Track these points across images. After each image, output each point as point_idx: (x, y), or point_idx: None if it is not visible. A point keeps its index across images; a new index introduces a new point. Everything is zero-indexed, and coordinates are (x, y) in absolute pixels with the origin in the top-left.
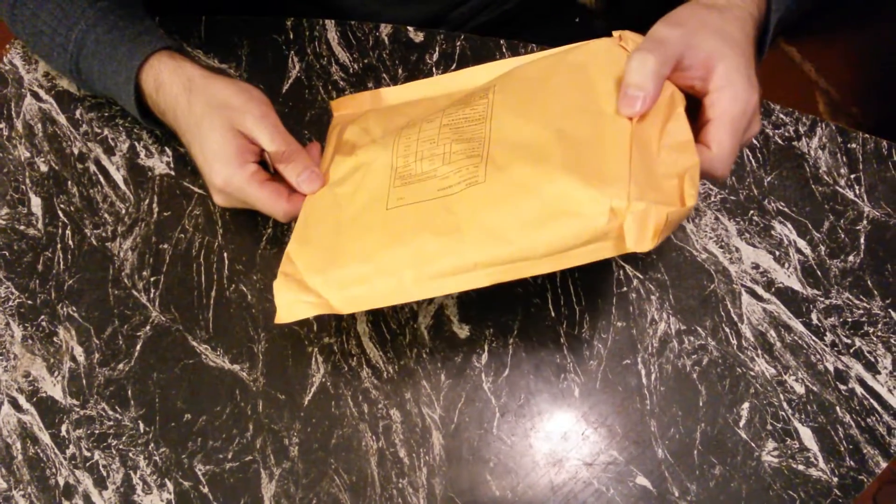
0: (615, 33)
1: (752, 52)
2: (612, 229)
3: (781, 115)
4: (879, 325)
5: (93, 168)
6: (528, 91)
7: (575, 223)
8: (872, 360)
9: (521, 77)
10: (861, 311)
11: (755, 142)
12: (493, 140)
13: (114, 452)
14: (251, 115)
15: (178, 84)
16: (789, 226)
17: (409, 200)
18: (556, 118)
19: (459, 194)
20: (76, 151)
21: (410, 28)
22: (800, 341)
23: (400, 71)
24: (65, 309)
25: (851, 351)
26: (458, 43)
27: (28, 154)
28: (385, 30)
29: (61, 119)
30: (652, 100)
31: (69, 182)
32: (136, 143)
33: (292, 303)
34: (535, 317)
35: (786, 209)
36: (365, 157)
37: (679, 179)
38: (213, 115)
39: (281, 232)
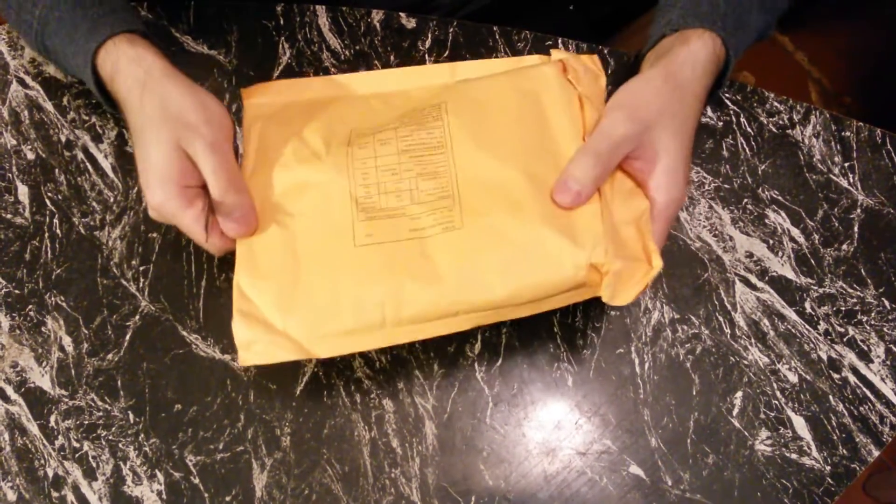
0: (557, 57)
1: (695, 128)
2: (592, 280)
3: (775, 104)
4: (872, 314)
5: (80, 156)
6: (484, 117)
7: (557, 274)
8: (865, 348)
9: (472, 99)
10: (854, 300)
11: (749, 130)
12: (461, 179)
13: (103, 443)
14: (202, 140)
15: (132, 76)
16: (783, 214)
17: (379, 238)
18: (521, 157)
19: (435, 238)
20: (63, 139)
21: (403, 14)
22: (793, 330)
23: (392, 57)
24: (53, 298)
25: (845, 340)
26: (451, 29)
27: (14, 142)
28: (377, 16)
29: (48, 106)
30: (587, 198)
31: (56, 170)
32: (125, 131)
33: (257, 344)
34: None
35: (780, 198)
36: (314, 177)
37: (636, 228)
38: (161, 126)
39: None
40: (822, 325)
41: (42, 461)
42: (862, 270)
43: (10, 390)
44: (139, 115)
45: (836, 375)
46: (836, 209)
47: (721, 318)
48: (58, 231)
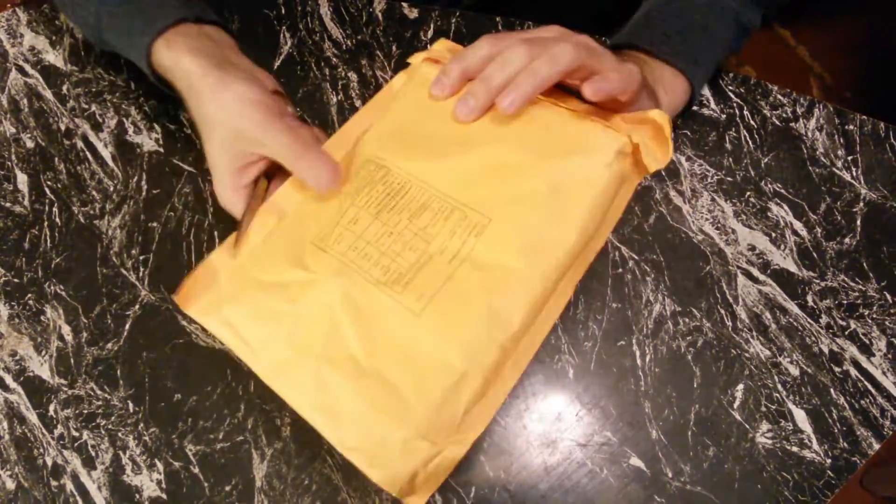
0: (424, 57)
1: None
2: (634, 156)
3: (779, 97)
4: (874, 308)
5: (80, 144)
6: (406, 131)
7: (604, 160)
8: (867, 342)
9: (392, 122)
10: (856, 294)
11: (753, 123)
12: (448, 190)
13: (103, 432)
14: (252, 124)
15: (178, 77)
16: (786, 207)
17: (430, 291)
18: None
19: (477, 248)
20: (63, 127)
21: (405, 4)
22: (795, 323)
23: (394, 48)
24: (52, 287)
25: (846, 333)
26: (454, 20)
27: (14, 130)
28: (379, 6)
29: (48, 94)
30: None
31: (56, 158)
32: (125, 120)
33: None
34: None
35: (783, 191)
36: (323, 298)
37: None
38: (212, 128)
39: None
40: (824, 319)
41: (41, 450)
42: (864, 264)
43: (9, 379)
44: (194, 115)
45: (837, 369)
46: (838, 203)
47: (723, 311)
48: (57, 220)
